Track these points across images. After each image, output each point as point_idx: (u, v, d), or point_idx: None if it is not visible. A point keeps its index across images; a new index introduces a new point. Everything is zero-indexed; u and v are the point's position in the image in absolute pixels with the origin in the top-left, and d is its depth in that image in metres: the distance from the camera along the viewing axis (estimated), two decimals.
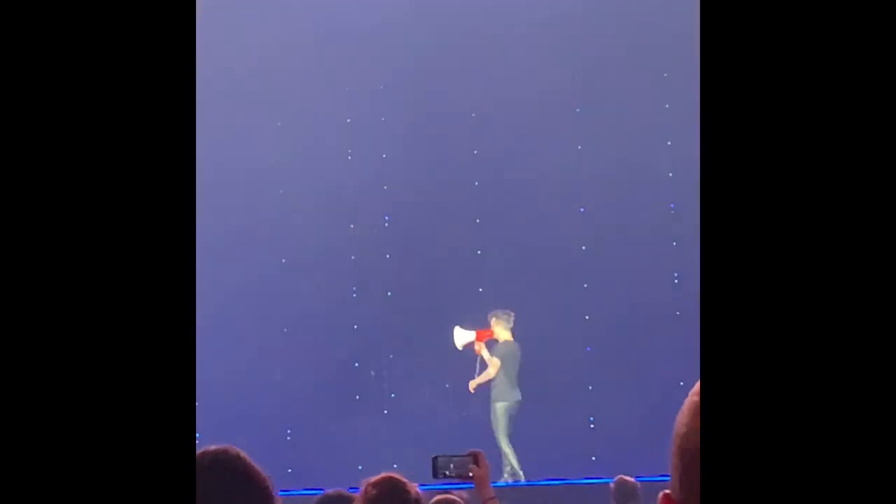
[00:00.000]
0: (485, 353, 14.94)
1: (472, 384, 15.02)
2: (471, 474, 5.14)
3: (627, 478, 9.55)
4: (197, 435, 3.32)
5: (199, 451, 3.04)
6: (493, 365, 14.92)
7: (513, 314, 15.18)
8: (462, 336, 15.04)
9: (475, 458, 5.15)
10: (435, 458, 5.20)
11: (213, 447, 3.12)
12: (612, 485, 9.50)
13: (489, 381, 14.99)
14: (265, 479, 3.13)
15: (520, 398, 15.00)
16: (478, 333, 15.06)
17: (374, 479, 4.49)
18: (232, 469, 3.07)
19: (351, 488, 5.77)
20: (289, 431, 16.92)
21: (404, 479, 4.58)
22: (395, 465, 4.59)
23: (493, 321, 15.08)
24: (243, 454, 3.13)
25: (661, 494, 1.60)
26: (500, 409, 14.91)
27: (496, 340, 15.10)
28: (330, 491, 5.58)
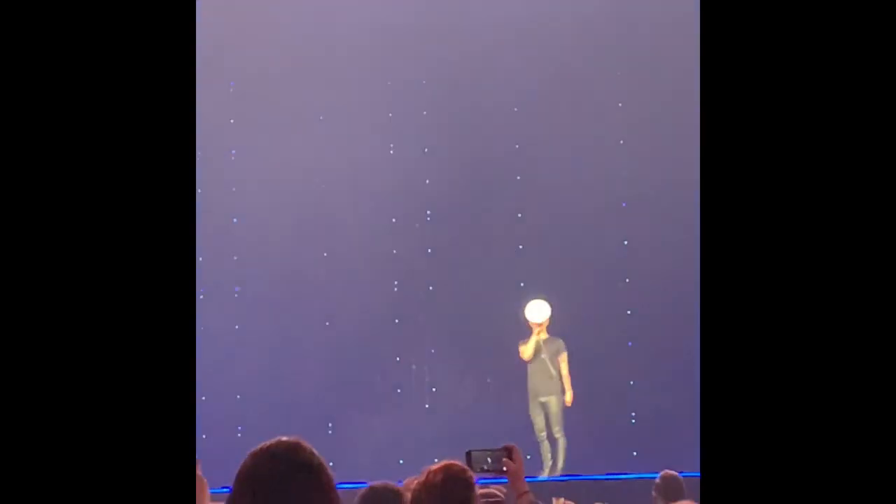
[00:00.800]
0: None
1: (529, 349, 14.99)
2: (505, 469, 5.15)
3: (673, 472, 9.49)
4: (239, 428, 3.35)
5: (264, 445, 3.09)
6: (545, 359, 14.94)
7: (547, 307, 15.23)
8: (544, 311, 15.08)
9: (509, 453, 5.16)
10: (469, 453, 5.21)
11: (280, 440, 3.17)
12: (657, 480, 9.44)
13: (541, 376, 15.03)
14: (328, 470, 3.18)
15: (560, 393, 15.03)
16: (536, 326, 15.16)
17: (435, 466, 4.52)
18: (301, 459, 3.13)
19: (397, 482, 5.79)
20: (330, 425, 16.95)
21: (465, 467, 4.60)
22: (435, 460, 4.60)
23: (542, 317, 15.12)
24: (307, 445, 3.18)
25: None
26: (534, 406, 15.02)
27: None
28: (376, 483, 5.59)
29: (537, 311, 15.00)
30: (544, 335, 15.01)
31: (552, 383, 14.96)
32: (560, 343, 15.10)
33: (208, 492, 4.58)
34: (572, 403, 15.10)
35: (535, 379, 15.02)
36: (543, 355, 14.96)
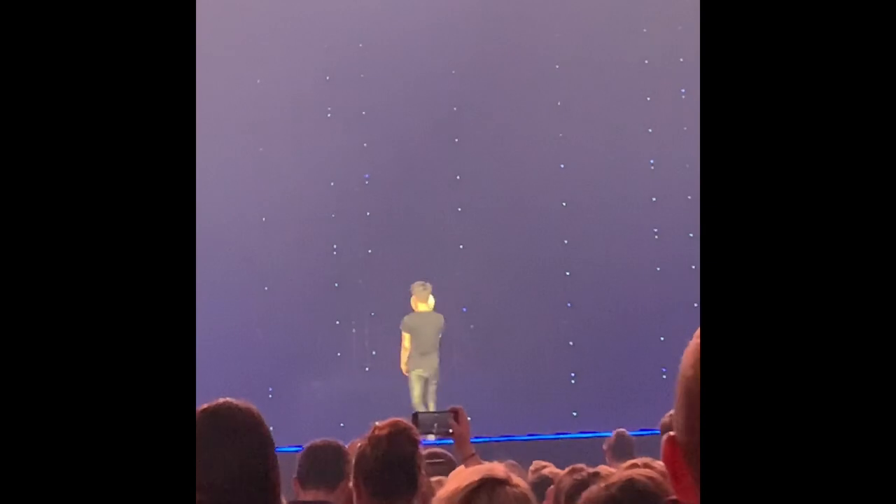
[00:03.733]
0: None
1: (402, 366, 15.37)
2: (451, 431, 5.14)
3: (624, 431, 9.56)
4: None
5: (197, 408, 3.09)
6: (405, 338, 15.35)
7: (429, 285, 15.55)
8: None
9: (455, 415, 5.15)
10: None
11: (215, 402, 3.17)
12: (611, 438, 9.49)
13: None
14: (269, 437, 3.17)
15: (435, 365, 15.34)
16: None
17: (382, 422, 4.50)
18: (233, 419, 3.13)
19: None
20: (271, 389, 16.91)
21: (410, 424, 4.59)
22: (376, 422, 4.58)
23: (411, 293, 15.42)
24: (245, 405, 3.17)
25: (665, 437, 1.60)
26: (413, 377, 15.27)
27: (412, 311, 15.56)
28: (317, 440, 5.57)
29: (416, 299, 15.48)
30: (427, 308, 15.45)
31: (430, 359, 15.31)
32: (440, 319, 15.53)
33: None
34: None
35: (415, 354, 15.36)
36: (423, 332, 15.35)
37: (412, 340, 15.32)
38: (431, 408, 14.85)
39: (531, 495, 3.09)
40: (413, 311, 15.50)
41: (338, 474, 5.30)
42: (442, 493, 3.05)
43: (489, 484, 3.02)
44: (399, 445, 4.33)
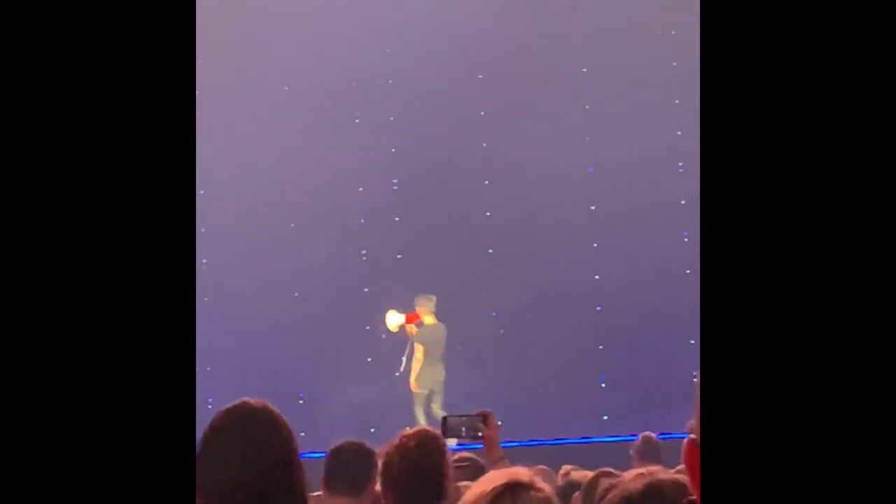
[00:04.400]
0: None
1: (412, 379, 15.49)
2: (480, 434, 5.16)
3: (651, 434, 9.55)
4: (210, 400, 3.37)
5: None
6: (419, 350, 15.42)
7: (434, 298, 15.57)
8: (393, 318, 15.58)
9: (484, 419, 5.17)
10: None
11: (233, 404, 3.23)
12: (638, 442, 9.49)
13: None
14: (288, 431, 3.21)
15: (442, 377, 15.49)
16: (407, 316, 15.59)
17: (409, 431, 4.53)
18: (253, 422, 3.17)
19: None
20: (302, 395, 16.96)
21: (438, 434, 4.62)
22: (407, 427, 4.60)
23: (417, 306, 15.33)
24: (263, 406, 3.22)
25: (686, 440, 1.62)
26: (421, 396, 15.46)
27: (422, 323, 15.52)
28: (343, 442, 5.59)
29: (388, 322, 15.48)
30: (433, 320, 15.48)
31: (438, 371, 15.51)
32: (434, 330, 15.56)
33: None
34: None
35: (425, 366, 15.54)
36: (436, 345, 15.49)
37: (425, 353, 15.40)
38: (422, 417, 14.94)
39: (555, 500, 3.11)
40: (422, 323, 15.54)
41: (365, 477, 5.32)
42: (466, 497, 3.07)
43: (513, 488, 3.04)
44: (427, 456, 4.35)
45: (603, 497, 4.07)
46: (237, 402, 3.27)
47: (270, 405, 3.28)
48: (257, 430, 3.18)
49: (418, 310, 15.52)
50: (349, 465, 5.40)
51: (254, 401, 3.27)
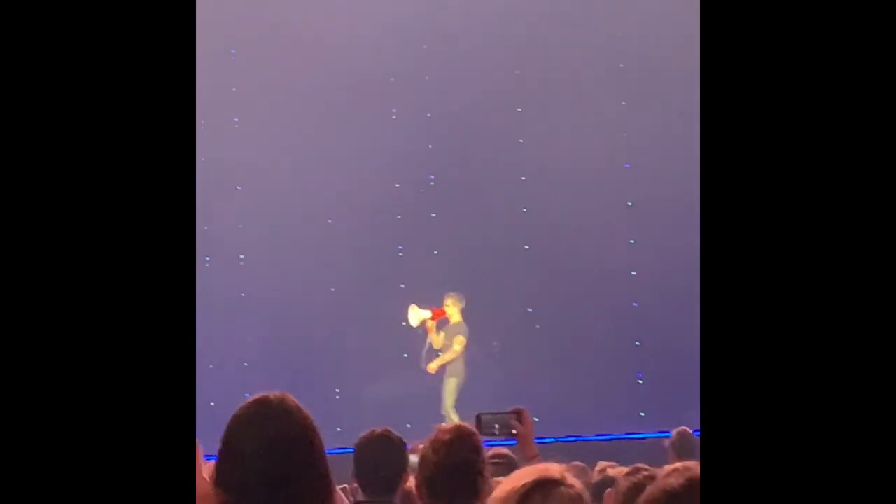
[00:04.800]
0: (433, 332, 15.50)
1: (436, 364, 15.48)
2: (514, 431, 5.16)
3: (687, 429, 9.50)
4: (246, 395, 3.40)
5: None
6: (459, 343, 15.35)
7: (465, 298, 15.53)
8: (417, 314, 15.45)
9: (518, 416, 5.16)
10: (479, 416, 5.22)
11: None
12: (673, 436, 9.44)
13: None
14: (307, 421, 3.25)
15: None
16: (433, 312, 15.45)
17: (445, 425, 4.54)
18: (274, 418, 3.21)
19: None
20: (338, 390, 17.00)
21: (474, 430, 4.62)
22: (440, 425, 4.60)
23: (448, 302, 15.25)
24: (281, 398, 3.27)
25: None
26: (454, 384, 15.37)
27: (447, 320, 15.48)
28: (376, 429, 5.59)
29: (410, 317, 15.42)
30: (458, 318, 15.46)
31: (454, 365, 15.43)
32: (462, 328, 15.48)
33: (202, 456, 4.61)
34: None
35: (459, 360, 15.49)
36: (445, 342, 15.46)
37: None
38: (453, 413, 14.94)
39: (586, 496, 3.11)
40: (448, 320, 15.50)
41: (398, 468, 5.33)
42: (497, 493, 3.08)
43: (544, 484, 3.04)
44: (461, 452, 4.36)
45: (634, 493, 4.07)
46: (257, 395, 3.31)
47: (290, 397, 3.32)
48: (275, 421, 3.23)
49: (449, 306, 15.44)
50: (379, 456, 5.41)
51: (272, 394, 3.31)
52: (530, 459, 5.01)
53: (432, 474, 4.35)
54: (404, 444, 5.56)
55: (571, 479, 3.10)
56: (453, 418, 14.68)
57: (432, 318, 15.44)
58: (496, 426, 5.15)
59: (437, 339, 15.43)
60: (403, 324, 17.47)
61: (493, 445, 6.12)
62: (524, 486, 3.03)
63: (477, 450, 4.45)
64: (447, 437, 4.42)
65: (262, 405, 3.28)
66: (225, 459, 3.05)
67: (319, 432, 3.33)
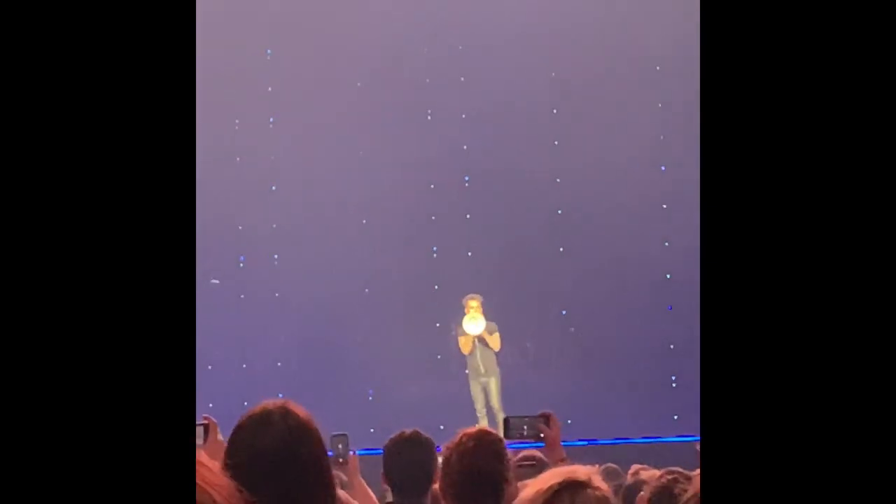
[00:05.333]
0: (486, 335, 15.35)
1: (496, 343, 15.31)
2: (542, 435, 5.14)
3: None
4: (279, 395, 3.41)
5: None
6: (494, 341, 15.29)
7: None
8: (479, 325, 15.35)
9: (546, 420, 5.15)
10: (507, 419, 5.21)
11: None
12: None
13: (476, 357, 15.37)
14: (307, 432, 3.28)
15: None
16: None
17: (471, 430, 4.52)
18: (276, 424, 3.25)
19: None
20: (370, 392, 17.03)
21: (499, 437, 4.61)
22: (464, 430, 4.58)
23: (476, 304, 15.26)
24: (281, 406, 3.31)
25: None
26: (481, 386, 15.41)
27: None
28: (406, 430, 5.59)
29: (474, 326, 15.33)
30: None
31: (490, 364, 15.29)
32: (493, 326, 15.38)
33: (218, 434, 4.64)
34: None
35: (473, 361, 15.39)
36: (477, 347, 15.34)
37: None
38: (499, 409, 14.89)
39: (613, 498, 3.10)
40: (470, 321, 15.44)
41: (428, 468, 5.33)
42: (524, 494, 3.08)
43: (570, 486, 3.04)
44: (484, 459, 4.34)
45: (664, 496, 4.05)
46: (256, 407, 3.36)
47: (291, 406, 3.35)
48: (273, 430, 3.26)
49: (477, 311, 15.39)
50: (408, 458, 5.41)
51: (274, 403, 3.35)
52: (558, 463, 5.00)
53: (455, 481, 4.34)
54: (434, 446, 5.56)
55: (598, 482, 3.09)
56: (482, 421, 14.67)
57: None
58: (524, 429, 5.14)
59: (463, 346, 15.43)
60: (437, 325, 17.49)
61: (522, 447, 6.11)
62: (550, 487, 3.02)
63: (500, 457, 4.43)
64: (471, 443, 4.40)
65: (263, 415, 3.32)
66: (227, 467, 3.07)
67: (340, 438, 3.38)
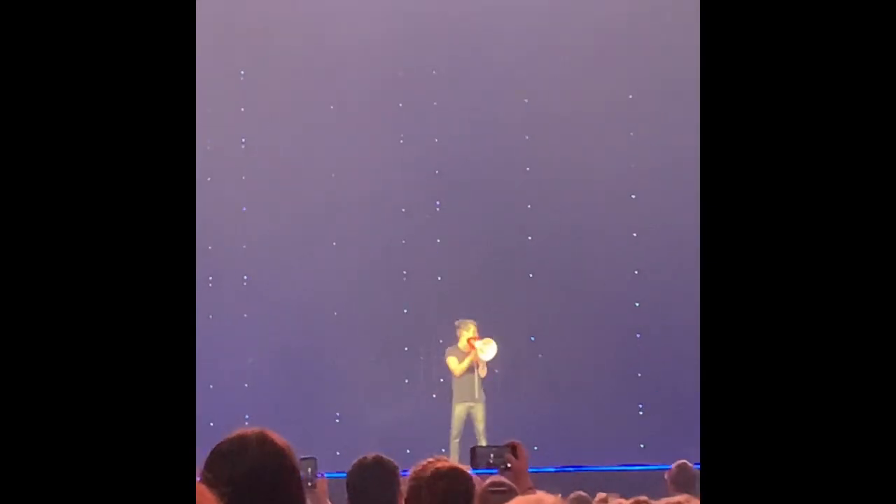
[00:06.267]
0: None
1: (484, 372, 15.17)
2: (509, 465, 5.13)
3: (686, 462, 9.45)
4: (246, 417, 3.40)
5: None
6: (484, 369, 15.14)
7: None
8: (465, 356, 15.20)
9: (513, 450, 5.14)
10: (473, 449, 5.20)
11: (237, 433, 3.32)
12: (672, 469, 9.40)
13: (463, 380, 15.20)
14: (282, 458, 3.28)
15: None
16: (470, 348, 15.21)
17: (441, 465, 4.49)
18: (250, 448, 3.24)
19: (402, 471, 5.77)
20: (338, 414, 16.97)
21: (469, 475, 4.59)
22: (442, 450, 4.58)
23: (470, 328, 15.16)
24: (262, 434, 3.31)
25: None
26: (463, 409, 15.18)
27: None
28: (368, 455, 5.58)
29: (492, 351, 15.16)
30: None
31: (478, 391, 15.11)
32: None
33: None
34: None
35: (461, 387, 15.20)
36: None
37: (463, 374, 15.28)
38: (482, 437, 14.79)
39: None
40: (458, 347, 15.31)
41: (390, 496, 5.31)
42: None
43: None
44: (455, 496, 4.33)
45: None
46: (236, 431, 3.36)
47: (269, 433, 3.35)
48: (250, 456, 3.26)
49: (466, 334, 15.29)
50: (370, 482, 5.39)
51: (251, 430, 3.35)
52: (525, 492, 4.98)
53: None
54: (397, 470, 5.54)
55: None
56: (453, 454, 14.57)
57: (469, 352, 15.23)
58: (491, 458, 5.13)
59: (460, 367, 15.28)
60: (405, 348, 17.46)
61: (488, 473, 6.10)
62: None
63: (470, 494, 4.42)
64: (442, 481, 4.38)
65: (240, 442, 3.31)
66: (205, 486, 3.07)
67: (308, 461, 3.39)
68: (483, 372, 15.10)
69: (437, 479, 4.38)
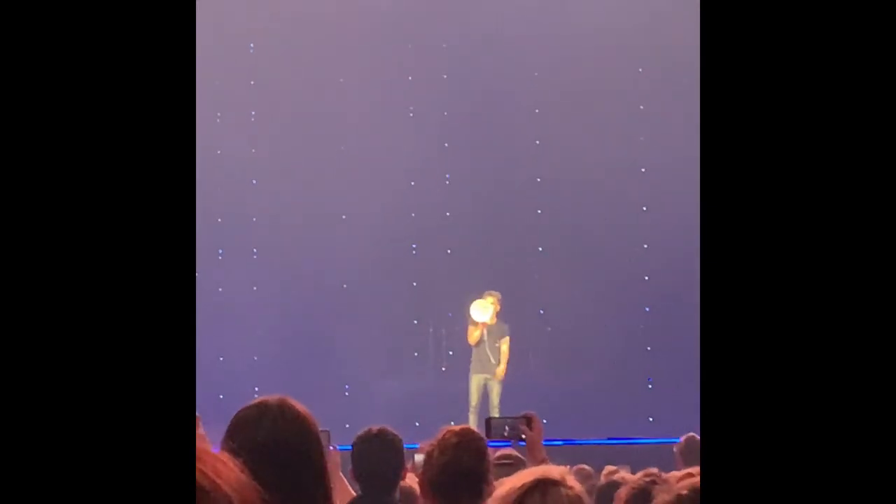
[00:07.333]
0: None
1: (503, 369, 15.21)
2: (523, 436, 5.16)
3: (695, 436, 9.45)
4: (255, 389, 3.42)
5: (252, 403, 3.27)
6: (506, 343, 15.24)
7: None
8: (483, 310, 15.27)
9: (528, 421, 5.17)
10: (489, 420, 5.24)
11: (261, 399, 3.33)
12: (681, 442, 9.42)
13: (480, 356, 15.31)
14: (305, 424, 3.29)
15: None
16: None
17: (454, 427, 4.54)
18: (280, 416, 3.26)
19: (407, 445, 5.81)
20: (347, 387, 17.02)
21: (481, 436, 4.63)
22: (451, 422, 4.61)
23: (493, 300, 15.19)
24: (289, 401, 3.33)
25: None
26: (480, 381, 15.27)
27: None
28: (373, 427, 5.60)
29: (480, 312, 15.20)
30: (493, 320, 15.23)
31: (492, 365, 15.17)
32: (505, 328, 15.33)
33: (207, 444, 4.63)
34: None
35: (476, 359, 15.29)
36: (486, 339, 15.19)
37: (478, 347, 15.33)
38: (495, 404, 14.82)
39: (585, 498, 3.12)
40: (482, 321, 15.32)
41: (395, 466, 5.34)
42: (498, 492, 3.10)
43: (543, 485, 3.05)
44: (466, 457, 4.36)
45: (640, 498, 4.07)
46: (258, 398, 3.37)
47: (290, 401, 3.37)
48: (273, 424, 3.27)
49: (493, 302, 15.29)
50: (375, 455, 5.42)
51: (272, 397, 3.37)
52: (539, 464, 5.01)
53: (436, 477, 4.36)
54: (401, 443, 5.57)
55: (572, 481, 3.11)
56: (472, 416, 14.63)
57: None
58: (506, 429, 5.16)
59: (471, 337, 15.31)
60: (415, 322, 17.50)
61: (501, 446, 6.12)
62: (524, 485, 3.04)
63: (481, 455, 4.44)
64: (453, 440, 4.42)
65: (260, 408, 3.33)
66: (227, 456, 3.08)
67: (321, 434, 3.39)
68: (503, 358, 15.13)
69: (449, 438, 4.42)
